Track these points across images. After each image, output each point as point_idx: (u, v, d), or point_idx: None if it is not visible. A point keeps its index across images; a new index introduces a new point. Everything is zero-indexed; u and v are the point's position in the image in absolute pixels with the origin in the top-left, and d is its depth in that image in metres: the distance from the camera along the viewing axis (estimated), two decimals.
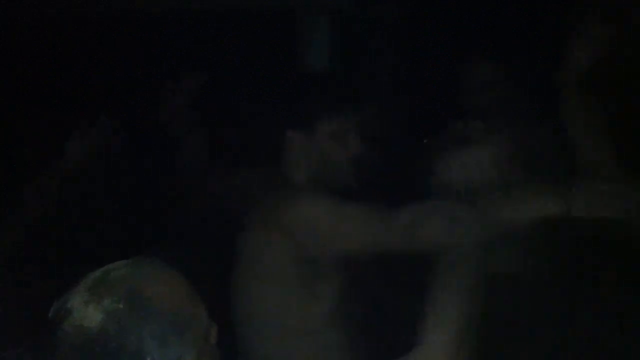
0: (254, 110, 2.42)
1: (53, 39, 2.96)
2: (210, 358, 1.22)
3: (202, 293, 1.25)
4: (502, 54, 2.72)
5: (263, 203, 2.00)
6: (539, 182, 2.05)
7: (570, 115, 1.68)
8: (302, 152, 1.97)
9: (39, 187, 2.50)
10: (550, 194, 1.85)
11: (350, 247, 1.88)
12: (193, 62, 2.95)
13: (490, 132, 2.73)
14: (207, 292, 1.27)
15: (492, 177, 2.52)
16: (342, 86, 2.03)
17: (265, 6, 3.12)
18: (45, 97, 2.84)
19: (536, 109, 2.67)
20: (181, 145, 2.66)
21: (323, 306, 1.94)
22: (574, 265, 1.28)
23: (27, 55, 2.90)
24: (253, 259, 1.97)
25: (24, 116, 2.72)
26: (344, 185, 2.01)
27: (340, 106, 1.98)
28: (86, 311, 1.13)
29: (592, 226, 1.41)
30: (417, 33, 3.15)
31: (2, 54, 2.73)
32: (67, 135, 2.60)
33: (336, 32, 3.17)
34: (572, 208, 1.75)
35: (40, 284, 2.34)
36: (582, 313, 1.11)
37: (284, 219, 1.89)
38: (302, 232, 1.87)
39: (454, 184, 2.72)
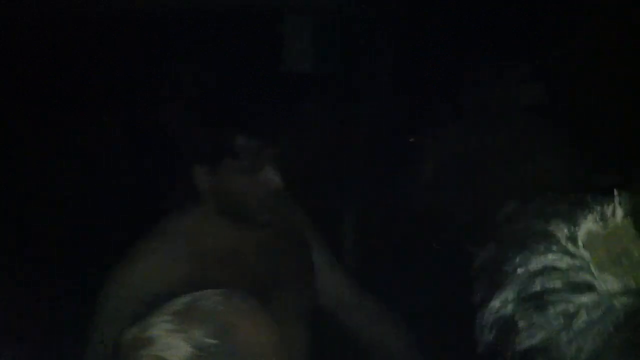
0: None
1: (53, 39, 2.96)
2: None
3: None
4: (499, 54, 2.72)
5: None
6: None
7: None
8: (209, 183, 1.78)
9: (38, 187, 2.51)
10: None
11: None
12: (186, 62, 2.95)
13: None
14: None
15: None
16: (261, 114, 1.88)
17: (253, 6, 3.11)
18: (45, 97, 2.84)
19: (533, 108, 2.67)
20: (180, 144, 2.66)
21: None
22: None
23: (27, 55, 2.90)
24: None
25: (24, 116, 2.72)
26: (255, 221, 1.83)
27: (257, 136, 1.77)
28: (172, 342, 1.00)
29: None
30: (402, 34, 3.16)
31: (2, 54, 2.73)
32: (67, 135, 2.60)
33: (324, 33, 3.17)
34: None
35: (40, 284, 2.34)
36: None
37: None
38: None
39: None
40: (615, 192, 0.92)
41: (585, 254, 0.89)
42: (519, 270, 0.91)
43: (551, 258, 0.91)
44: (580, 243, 0.90)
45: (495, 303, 0.90)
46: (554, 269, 0.91)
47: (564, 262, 0.90)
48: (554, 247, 0.91)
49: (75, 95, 2.91)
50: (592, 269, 0.89)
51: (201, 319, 1.02)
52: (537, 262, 0.91)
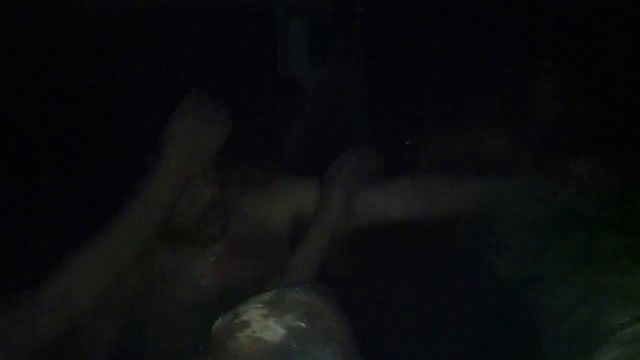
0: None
1: (53, 39, 2.96)
2: None
3: None
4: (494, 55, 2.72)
5: None
6: None
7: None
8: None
9: (36, 187, 2.51)
10: None
11: None
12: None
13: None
14: None
15: None
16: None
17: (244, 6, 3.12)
18: (44, 97, 2.84)
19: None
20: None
21: None
22: None
23: (26, 55, 2.90)
24: None
25: (23, 116, 2.73)
26: (200, 242, 1.79)
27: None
28: (266, 325, 1.05)
29: None
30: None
31: (2, 54, 2.74)
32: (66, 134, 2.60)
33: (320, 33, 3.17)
34: None
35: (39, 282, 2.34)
36: None
37: None
38: None
39: None
40: None
41: None
42: (617, 328, 0.75)
43: None
44: None
45: None
46: None
47: None
48: None
49: (75, 95, 2.91)
50: None
51: (290, 306, 1.08)
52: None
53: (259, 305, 1.08)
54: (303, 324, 1.05)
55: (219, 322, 1.09)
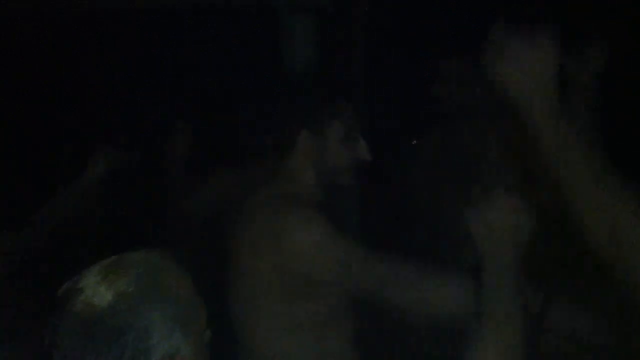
0: (251, 112, 2.40)
1: (53, 39, 2.97)
2: (204, 358, 1.26)
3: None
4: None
5: (258, 209, 1.94)
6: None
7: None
8: (312, 155, 1.95)
9: (38, 187, 2.51)
10: None
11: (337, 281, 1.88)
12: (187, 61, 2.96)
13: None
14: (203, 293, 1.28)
15: None
16: (337, 87, 2.01)
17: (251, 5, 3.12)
18: (45, 97, 2.85)
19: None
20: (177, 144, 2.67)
21: (320, 308, 1.90)
22: None
23: (27, 55, 2.91)
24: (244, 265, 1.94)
25: (24, 116, 2.74)
26: (347, 189, 2.02)
27: (348, 108, 1.96)
28: (97, 290, 1.17)
29: None
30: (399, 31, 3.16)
31: (2, 54, 2.74)
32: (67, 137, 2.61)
33: (321, 32, 3.18)
34: None
35: (37, 283, 2.34)
36: None
37: (280, 240, 1.85)
38: (295, 256, 1.84)
39: None
40: None
41: None
42: None
43: None
44: None
45: None
46: None
47: None
48: None
49: (75, 95, 2.92)
50: None
51: (123, 271, 1.21)
52: None
53: (95, 274, 1.21)
54: (131, 289, 1.18)
55: (62, 288, 1.20)
